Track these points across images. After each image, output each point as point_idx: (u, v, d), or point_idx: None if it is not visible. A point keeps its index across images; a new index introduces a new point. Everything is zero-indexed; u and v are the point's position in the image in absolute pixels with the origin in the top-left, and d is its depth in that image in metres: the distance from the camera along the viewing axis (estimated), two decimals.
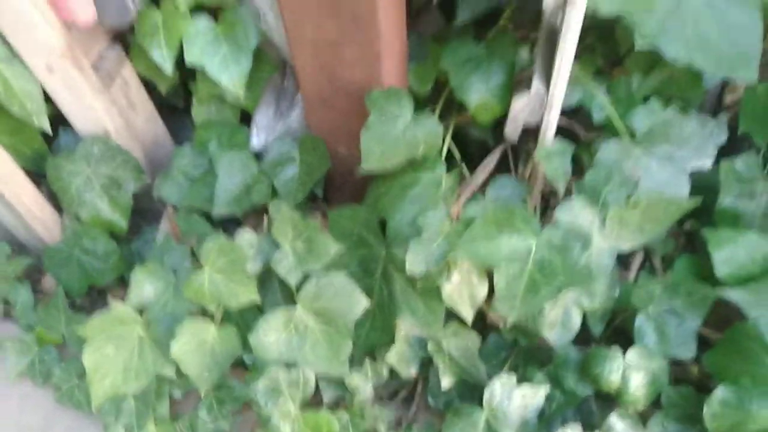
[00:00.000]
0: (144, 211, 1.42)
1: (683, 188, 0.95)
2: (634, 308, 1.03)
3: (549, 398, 1.04)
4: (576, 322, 1.01)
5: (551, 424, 1.04)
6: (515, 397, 0.99)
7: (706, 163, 0.96)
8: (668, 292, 1.01)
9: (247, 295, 1.04)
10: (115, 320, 1.05)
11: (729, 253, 1.02)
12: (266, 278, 1.11)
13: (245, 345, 1.06)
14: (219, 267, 1.04)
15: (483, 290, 1.01)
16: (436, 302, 1.02)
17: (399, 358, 1.05)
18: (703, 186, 1.15)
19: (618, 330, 1.15)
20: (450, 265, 0.98)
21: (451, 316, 1.10)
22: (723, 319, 1.06)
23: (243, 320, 1.10)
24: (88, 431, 1.18)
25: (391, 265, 1.05)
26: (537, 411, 1.00)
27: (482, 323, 1.18)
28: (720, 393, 0.91)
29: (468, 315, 1.01)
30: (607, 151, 0.94)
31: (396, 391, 1.18)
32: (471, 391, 1.10)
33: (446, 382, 1.03)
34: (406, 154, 0.99)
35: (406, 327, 1.05)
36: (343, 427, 1.07)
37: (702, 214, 1.14)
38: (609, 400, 1.04)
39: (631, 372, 0.95)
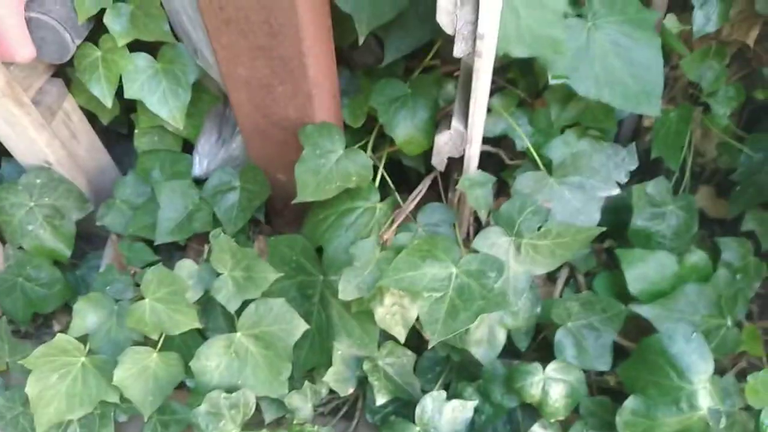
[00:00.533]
0: (89, 236, 1.45)
1: (594, 215, 1.03)
2: (556, 326, 1.10)
3: (479, 411, 1.11)
4: (501, 339, 1.08)
5: None
6: (446, 411, 1.06)
7: (613, 191, 1.04)
8: (585, 308, 1.09)
9: (187, 323, 1.08)
10: (57, 350, 1.07)
11: (640, 271, 1.11)
12: (208, 304, 1.15)
13: (188, 369, 1.10)
14: (159, 297, 1.08)
15: (414, 311, 1.07)
16: (370, 324, 1.08)
17: (337, 378, 1.11)
18: (622, 206, 1.24)
19: (544, 343, 1.23)
20: (382, 290, 1.03)
21: (387, 335, 1.16)
22: (639, 329, 1.15)
23: (185, 345, 1.13)
24: None
25: (328, 290, 1.11)
26: (467, 423, 1.07)
27: (419, 339, 1.24)
28: (630, 403, 0.99)
29: (400, 335, 1.06)
30: (523, 182, 1.02)
31: (337, 408, 1.23)
32: (406, 407, 1.16)
33: (380, 399, 1.09)
34: (340, 186, 1.04)
35: (343, 348, 1.11)
36: None
37: (620, 233, 1.23)
38: (534, 410, 1.11)
39: (551, 385, 1.03)
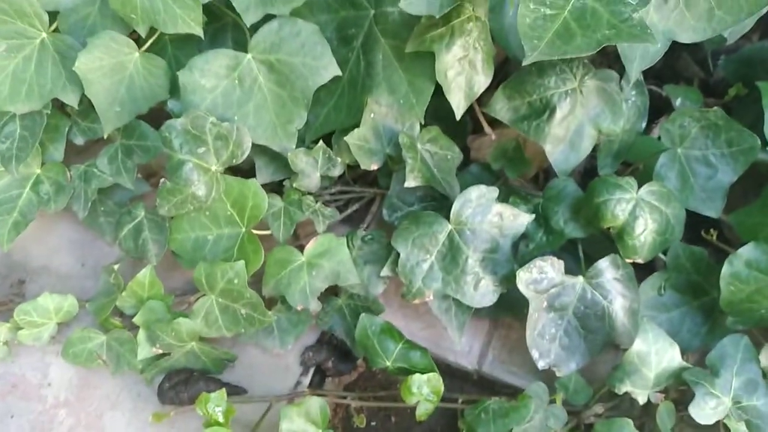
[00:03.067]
0: None
1: None
2: (660, 149, 0.83)
3: (528, 238, 0.85)
4: (586, 145, 0.82)
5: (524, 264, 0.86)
6: (491, 214, 0.79)
7: None
8: (706, 134, 0.82)
9: (188, 22, 0.81)
10: (14, 10, 0.81)
11: None
12: (218, 14, 0.89)
13: (173, 88, 0.84)
14: None
15: (484, 80, 0.80)
16: (423, 79, 0.81)
17: (361, 144, 0.84)
18: (756, 59, 0.97)
19: None
20: (454, 30, 0.76)
21: (433, 118, 0.89)
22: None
23: (176, 59, 0.87)
24: None
25: (378, 27, 0.83)
26: (512, 239, 0.80)
27: (465, 149, 0.98)
28: (748, 251, 0.72)
29: (459, 105, 0.80)
30: None
31: (345, 205, 0.97)
32: (437, 211, 0.90)
33: (411, 181, 0.82)
34: None
35: (378, 110, 0.84)
36: (273, 214, 0.86)
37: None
38: (598, 253, 0.85)
39: (643, 210, 0.76)
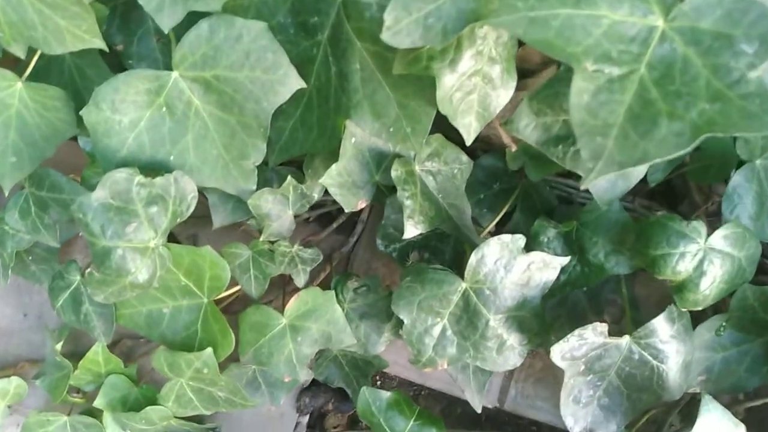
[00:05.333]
0: None
1: None
2: (732, 155, 0.64)
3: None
4: (640, 168, 0.62)
5: (550, 301, 0.71)
6: (517, 267, 0.63)
7: None
8: None
9: (79, 35, 0.57)
10: None
11: None
12: (130, 15, 0.63)
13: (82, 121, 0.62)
14: None
15: (504, 94, 0.58)
16: (420, 103, 0.59)
17: (342, 181, 0.64)
18: None
19: (665, 190, 0.80)
20: (461, 41, 0.53)
21: (437, 124, 0.68)
22: None
23: (83, 79, 0.64)
24: None
25: (350, 25, 0.59)
26: (542, 289, 0.65)
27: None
28: None
29: (468, 131, 0.59)
30: None
31: (330, 216, 0.79)
32: (440, 240, 0.73)
33: (411, 230, 0.64)
34: None
35: (360, 135, 0.63)
36: (240, 265, 0.68)
37: None
38: (645, 282, 0.70)
39: (711, 261, 0.59)
